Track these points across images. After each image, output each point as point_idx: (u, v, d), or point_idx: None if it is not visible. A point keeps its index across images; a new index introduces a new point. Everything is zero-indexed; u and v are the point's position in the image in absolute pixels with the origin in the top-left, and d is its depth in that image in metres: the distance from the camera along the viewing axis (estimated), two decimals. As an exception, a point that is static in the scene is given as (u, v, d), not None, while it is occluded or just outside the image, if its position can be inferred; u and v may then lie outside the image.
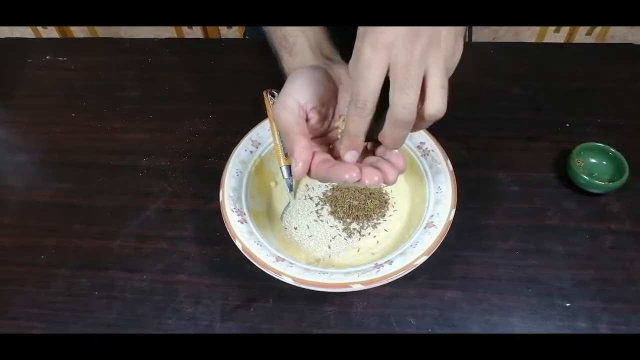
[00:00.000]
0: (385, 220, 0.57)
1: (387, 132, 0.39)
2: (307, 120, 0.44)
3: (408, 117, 0.37)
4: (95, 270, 0.56)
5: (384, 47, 0.36)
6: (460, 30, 0.39)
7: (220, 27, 1.24)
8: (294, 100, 0.44)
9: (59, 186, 0.64)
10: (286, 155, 0.57)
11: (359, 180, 0.40)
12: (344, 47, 0.49)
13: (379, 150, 0.43)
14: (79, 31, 1.49)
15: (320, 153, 0.44)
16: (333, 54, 0.53)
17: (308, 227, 0.56)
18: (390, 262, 0.48)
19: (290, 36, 0.53)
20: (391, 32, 0.36)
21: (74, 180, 0.65)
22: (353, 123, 0.39)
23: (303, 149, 0.42)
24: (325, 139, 0.47)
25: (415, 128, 0.39)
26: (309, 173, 0.43)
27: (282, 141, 0.57)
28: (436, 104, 0.37)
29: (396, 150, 0.42)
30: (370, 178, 0.40)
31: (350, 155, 0.41)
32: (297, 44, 0.52)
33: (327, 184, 0.60)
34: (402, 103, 0.36)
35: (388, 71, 0.37)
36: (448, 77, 0.38)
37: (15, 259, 0.58)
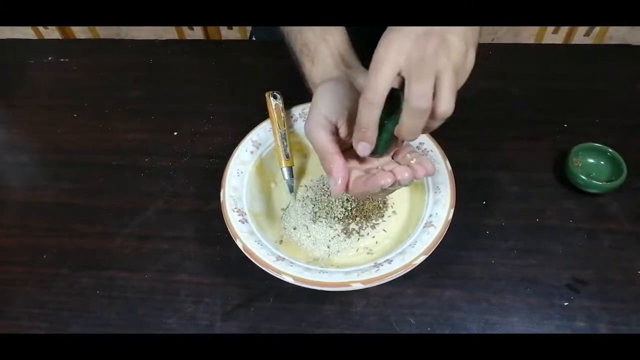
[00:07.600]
0: (384, 221, 0.57)
1: (404, 123, 0.41)
2: (337, 134, 0.47)
3: (424, 105, 0.38)
4: (96, 270, 0.56)
5: (398, 46, 0.39)
6: (472, 41, 0.41)
7: (220, 28, 1.24)
8: (326, 117, 0.46)
9: (60, 186, 0.65)
10: (287, 156, 0.57)
11: (393, 184, 0.42)
12: (365, 54, 0.49)
13: (402, 159, 0.46)
14: (80, 32, 1.50)
15: (355, 169, 0.46)
16: (354, 60, 0.54)
17: (307, 227, 0.56)
18: (389, 261, 0.48)
19: (311, 44, 0.54)
20: (404, 32, 0.39)
21: (75, 181, 0.65)
22: (363, 115, 0.41)
23: (340, 168, 0.44)
24: (354, 151, 0.47)
25: (426, 128, 0.41)
26: (347, 189, 0.45)
27: (283, 142, 0.58)
28: (446, 103, 0.39)
29: (421, 155, 0.45)
30: (402, 174, 0.42)
31: (362, 147, 0.43)
32: (319, 51, 0.54)
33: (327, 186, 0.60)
34: (419, 92, 0.38)
35: (400, 75, 0.39)
36: (458, 85, 0.40)
37: (16, 259, 0.58)
